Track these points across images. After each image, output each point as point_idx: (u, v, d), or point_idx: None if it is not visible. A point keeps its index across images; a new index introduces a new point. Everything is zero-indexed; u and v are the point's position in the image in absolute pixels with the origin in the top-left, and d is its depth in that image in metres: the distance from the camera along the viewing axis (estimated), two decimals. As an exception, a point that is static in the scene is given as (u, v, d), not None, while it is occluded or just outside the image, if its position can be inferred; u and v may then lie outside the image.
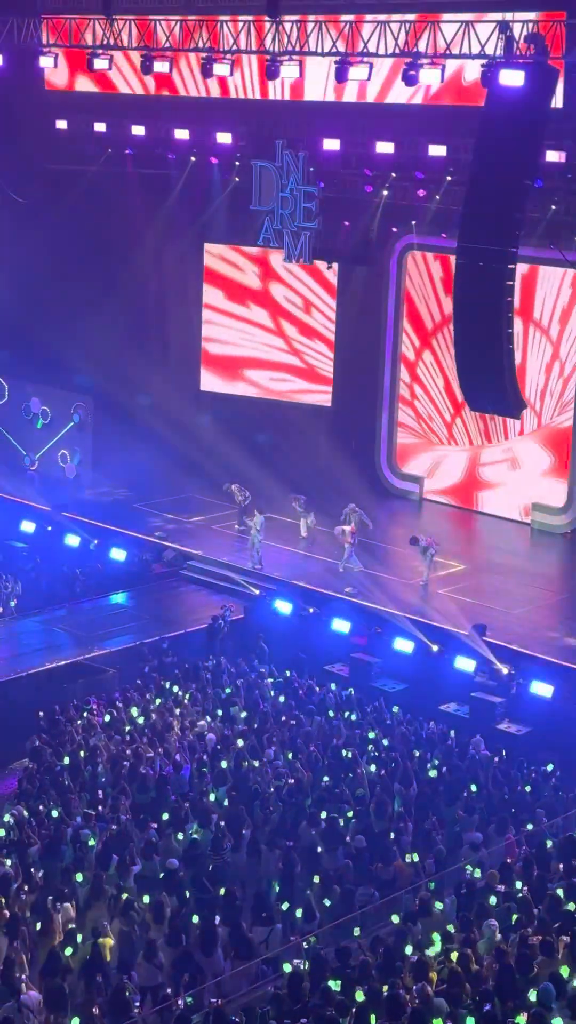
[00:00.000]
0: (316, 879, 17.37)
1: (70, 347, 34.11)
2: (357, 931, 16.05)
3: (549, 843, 18.05)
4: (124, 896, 16.75)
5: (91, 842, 18.02)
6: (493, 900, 16.39)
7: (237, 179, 32.25)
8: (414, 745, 21.35)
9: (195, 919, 16.31)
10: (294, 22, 25.66)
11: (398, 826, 18.67)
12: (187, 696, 23.00)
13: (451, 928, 15.74)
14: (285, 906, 16.66)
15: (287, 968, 14.64)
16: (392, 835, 18.46)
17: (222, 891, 16.96)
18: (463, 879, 17.11)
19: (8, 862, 17.56)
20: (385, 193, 30.84)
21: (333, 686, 23.80)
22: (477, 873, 17.25)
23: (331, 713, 22.49)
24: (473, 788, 19.82)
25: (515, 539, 31.21)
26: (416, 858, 17.94)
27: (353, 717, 22.45)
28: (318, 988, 14.15)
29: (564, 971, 14.27)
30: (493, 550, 30.45)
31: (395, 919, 16.12)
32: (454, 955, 14.79)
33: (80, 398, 34.89)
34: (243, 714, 22.23)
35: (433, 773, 20.28)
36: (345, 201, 31.13)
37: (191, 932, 16.03)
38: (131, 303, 34.89)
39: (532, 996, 13.87)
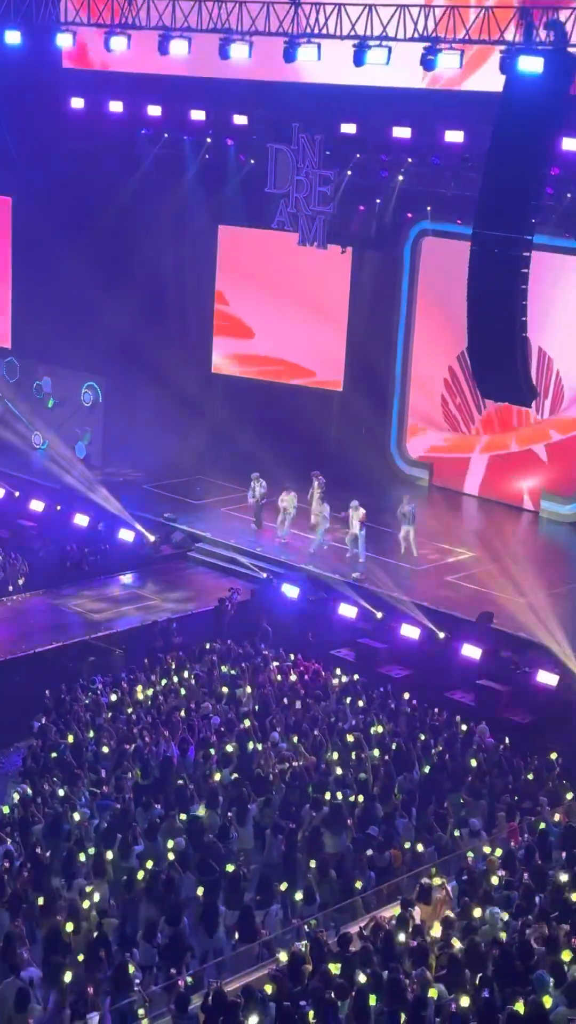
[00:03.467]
0: (313, 864, 17.40)
1: (82, 327, 34.09)
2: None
3: (551, 831, 18.07)
4: (126, 875, 16.82)
5: (95, 821, 18.06)
6: (494, 884, 16.43)
7: (252, 161, 32.19)
8: (419, 731, 21.37)
9: (199, 895, 16.40)
10: (313, 4, 25.54)
11: (398, 812, 18.68)
12: (192, 677, 23.05)
13: (451, 914, 15.79)
14: (284, 886, 16.67)
15: (283, 958, 14.62)
16: (390, 821, 18.47)
17: (229, 868, 17.00)
18: (464, 865, 17.15)
19: (10, 840, 17.62)
20: (401, 178, 30.77)
21: (338, 671, 23.83)
22: (471, 855, 17.27)
23: (336, 683, 22.51)
24: (476, 776, 19.84)
25: (524, 528, 31.22)
26: (413, 845, 17.93)
27: (360, 703, 22.46)
28: (318, 971, 14.19)
29: (566, 956, 14.33)
30: (501, 538, 30.42)
31: (396, 911, 16.10)
32: (455, 941, 14.85)
33: (91, 378, 34.89)
34: (248, 694, 22.24)
35: (436, 760, 20.28)
36: (360, 186, 31.07)
37: (193, 912, 16.08)
38: (144, 284, 34.84)
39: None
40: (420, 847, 17.91)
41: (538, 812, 18.87)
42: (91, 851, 17.31)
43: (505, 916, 15.73)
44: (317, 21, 25.39)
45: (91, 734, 20.72)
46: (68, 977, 14.36)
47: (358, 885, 16.75)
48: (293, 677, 23.10)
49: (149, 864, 17.00)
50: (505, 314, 23.05)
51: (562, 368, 30.83)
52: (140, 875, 16.77)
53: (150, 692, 22.36)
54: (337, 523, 28.70)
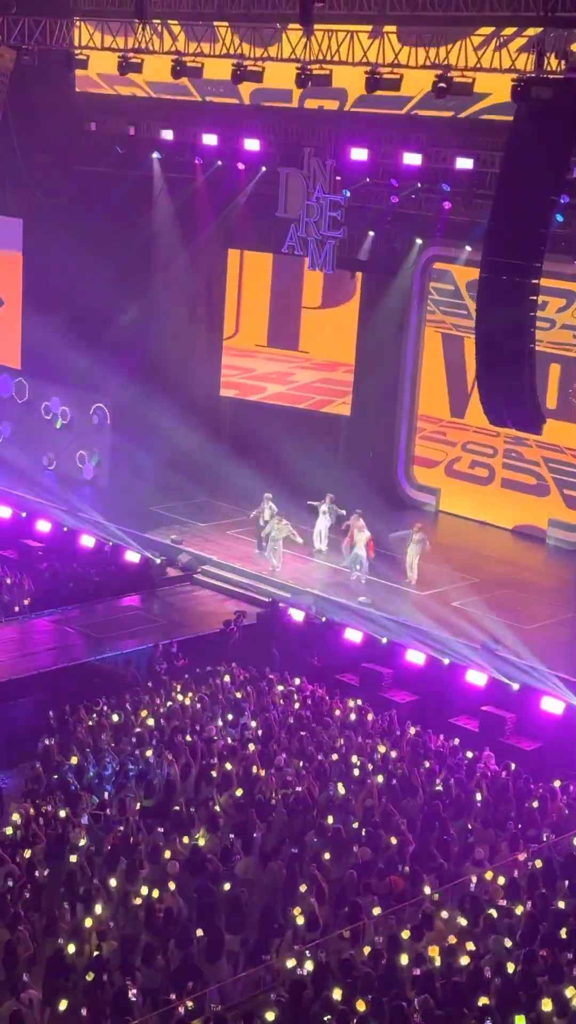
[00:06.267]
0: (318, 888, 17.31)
1: (91, 348, 34.14)
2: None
3: (555, 859, 17.98)
4: (130, 898, 16.75)
5: (86, 843, 17.95)
6: (495, 915, 16.34)
7: (263, 186, 32.28)
8: (423, 757, 21.30)
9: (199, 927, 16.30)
10: (325, 31, 25.67)
11: (401, 839, 18.59)
12: (197, 700, 23.00)
13: (453, 941, 15.70)
14: (298, 912, 16.57)
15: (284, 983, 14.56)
16: (394, 848, 18.38)
17: (226, 887, 16.89)
18: (467, 893, 17.06)
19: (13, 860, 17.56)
20: (411, 204, 30.83)
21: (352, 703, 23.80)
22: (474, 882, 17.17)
23: (340, 708, 22.44)
24: (480, 803, 19.77)
25: (530, 554, 31.18)
26: (414, 873, 17.82)
27: (364, 728, 22.39)
28: (320, 997, 14.11)
29: (570, 993, 14.26)
30: (508, 564, 30.40)
31: (405, 935, 15.98)
32: (464, 959, 14.77)
33: (100, 400, 34.94)
34: (252, 721, 22.20)
35: (440, 786, 20.21)
36: (370, 211, 31.16)
37: (196, 938, 15.98)
38: (153, 306, 34.92)
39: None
40: (421, 874, 17.80)
41: (542, 840, 18.79)
42: (93, 873, 17.25)
43: (508, 944, 15.65)
44: (330, 47, 25.50)
45: (90, 753, 20.67)
46: (68, 1000, 14.30)
47: (376, 911, 16.64)
48: (297, 704, 23.04)
49: (149, 891, 16.90)
50: (514, 340, 23.05)
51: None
52: (138, 901, 16.68)
53: (153, 715, 22.30)
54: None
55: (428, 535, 28.54)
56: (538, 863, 17.92)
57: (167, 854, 17.58)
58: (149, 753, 20.55)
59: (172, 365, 34.96)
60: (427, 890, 17.06)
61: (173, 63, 27.46)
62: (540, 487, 31.74)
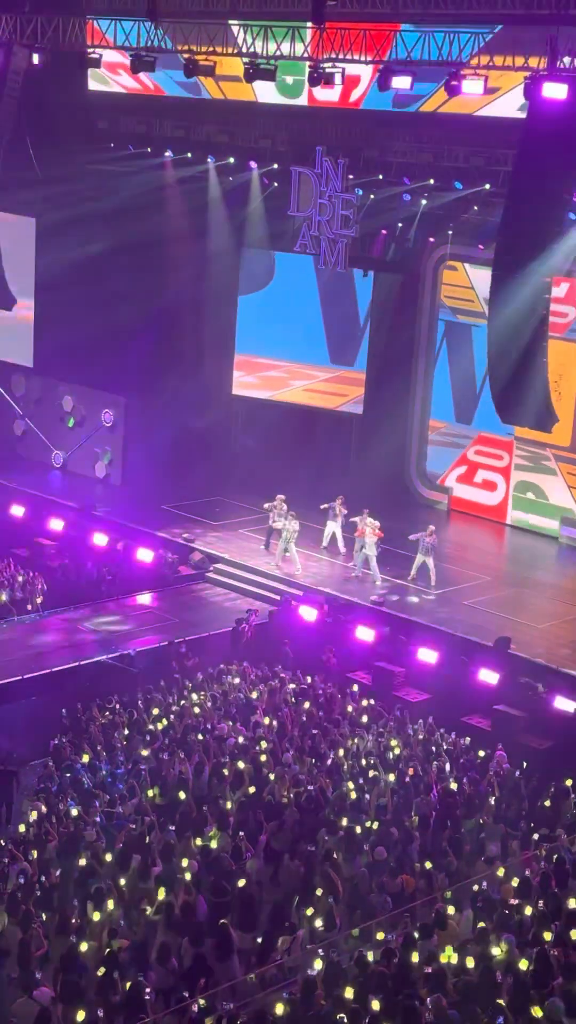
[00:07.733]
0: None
1: (104, 347, 34.20)
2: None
3: (567, 859, 17.95)
4: (142, 897, 16.77)
5: (98, 841, 17.99)
6: (508, 914, 16.32)
7: (276, 184, 32.31)
8: (435, 756, 21.29)
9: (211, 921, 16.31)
10: (338, 29, 25.65)
11: (411, 837, 18.58)
12: (209, 699, 23.02)
13: (466, 941, 15.69)
14: (310, 912, 16.58)
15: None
16: (404, 846, 18.37)
17: (241, 883, 16.90)
18: (479, 892, 17.04)
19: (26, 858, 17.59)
20: (424, 202, 30.85)
21: (355, 687, 23.79)
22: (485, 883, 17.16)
23: (352, 707, 22.42)
24: (492, 801, 19.76)
25: (543, 553, 31.14)
26: (425, 871, 17.81)
27: (376, 727, 22.38)
28: (332, 995, 14.11)
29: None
30: (520, 563, 30.38)
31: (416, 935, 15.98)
32: (470, 961, 14.76)
33: (112, 398, 35.00)
34: (265, 719, 22.21)
35: (453, 785, 20.21)
36: (383, 209, 31.16)
37: (208, 936, 15.99)
38: (166, 305, 34.96)
39: (538, 1012, 13.83)
40: (432, 873, 17.78)
41: (554, 839, 18.77)
42: (105, 871, 17.27)
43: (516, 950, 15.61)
44: (342, 46, 25.49)
45: (102, 751, 20.70)
46: (83, 997, 14.31)
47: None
48: (308, 703, 23.05)
49: (162, 892, 16.91)
50: (526, 339, 23.06)
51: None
52: (161, 894, 16.67)
53: (166, 713, 22.33)
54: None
55: (440, 534, 28.52)
56: (551, 862, 17.89)
57: (184, 860, 17.55)
58: (162, 751, 20.56)
59: (184, 363, 34.98)
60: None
61: (185, 62, 27.47)
62: (552, 485, 31.69)
